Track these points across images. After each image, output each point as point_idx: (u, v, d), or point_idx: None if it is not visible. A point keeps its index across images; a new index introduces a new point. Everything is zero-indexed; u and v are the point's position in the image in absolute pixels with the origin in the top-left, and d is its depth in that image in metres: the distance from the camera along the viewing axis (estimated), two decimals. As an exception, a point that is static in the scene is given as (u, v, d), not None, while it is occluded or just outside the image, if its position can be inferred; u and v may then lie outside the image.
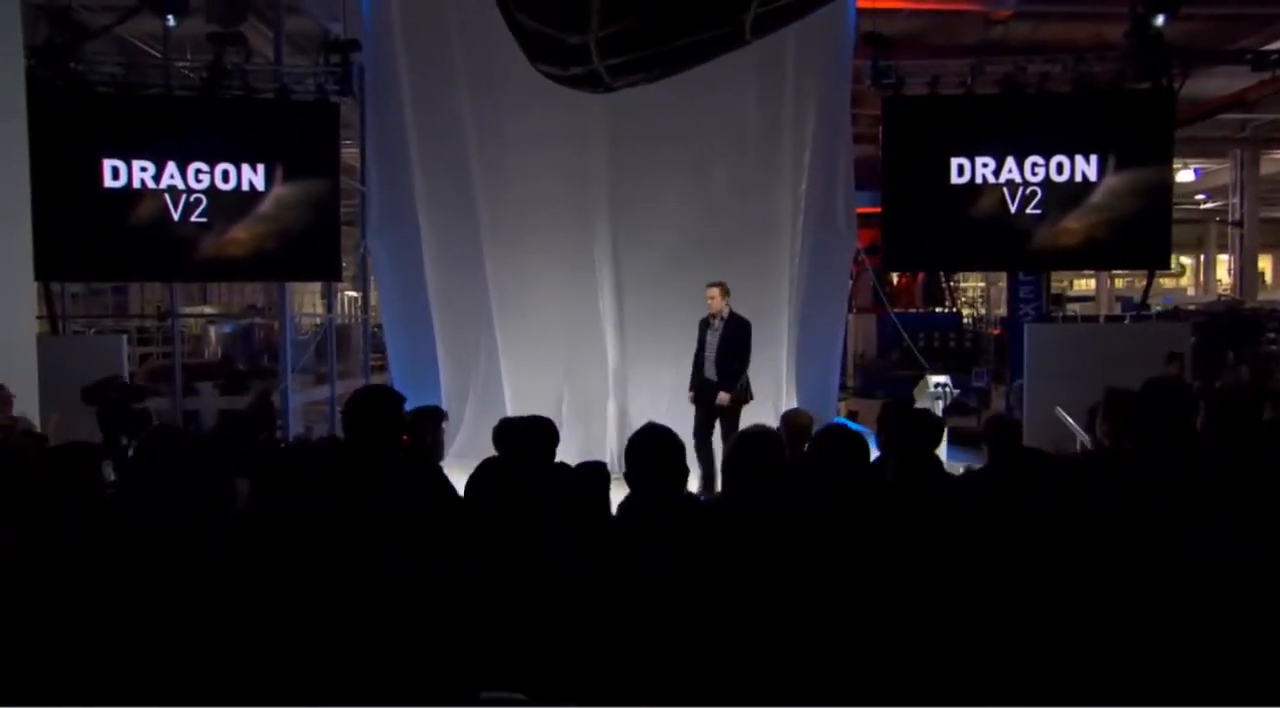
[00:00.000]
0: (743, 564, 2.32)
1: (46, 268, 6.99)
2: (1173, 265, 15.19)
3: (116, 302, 16.83)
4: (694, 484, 5.31)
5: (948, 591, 2.28)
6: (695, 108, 7.66)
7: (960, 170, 8.68)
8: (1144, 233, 8.62)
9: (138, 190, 8.23)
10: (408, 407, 3.16)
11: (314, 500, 2.44)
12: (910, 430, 3.06)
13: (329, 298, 12.07)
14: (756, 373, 7.03)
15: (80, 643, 2.07)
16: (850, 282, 10.19)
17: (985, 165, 8.65)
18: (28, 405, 5.32)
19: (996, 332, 14.12)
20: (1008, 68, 8.55)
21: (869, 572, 2.31)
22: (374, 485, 2.66)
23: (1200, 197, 22.75)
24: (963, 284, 20.70)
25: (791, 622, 2.20)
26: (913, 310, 15.35)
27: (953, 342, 12.83)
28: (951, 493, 3.05)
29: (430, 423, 3.63)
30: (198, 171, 8.29)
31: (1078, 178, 8.57)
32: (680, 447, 2.63)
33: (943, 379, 7.85)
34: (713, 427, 6.57)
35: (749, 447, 2.69)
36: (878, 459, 3.09)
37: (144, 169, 8.22)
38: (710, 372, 6.67)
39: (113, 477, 4.50)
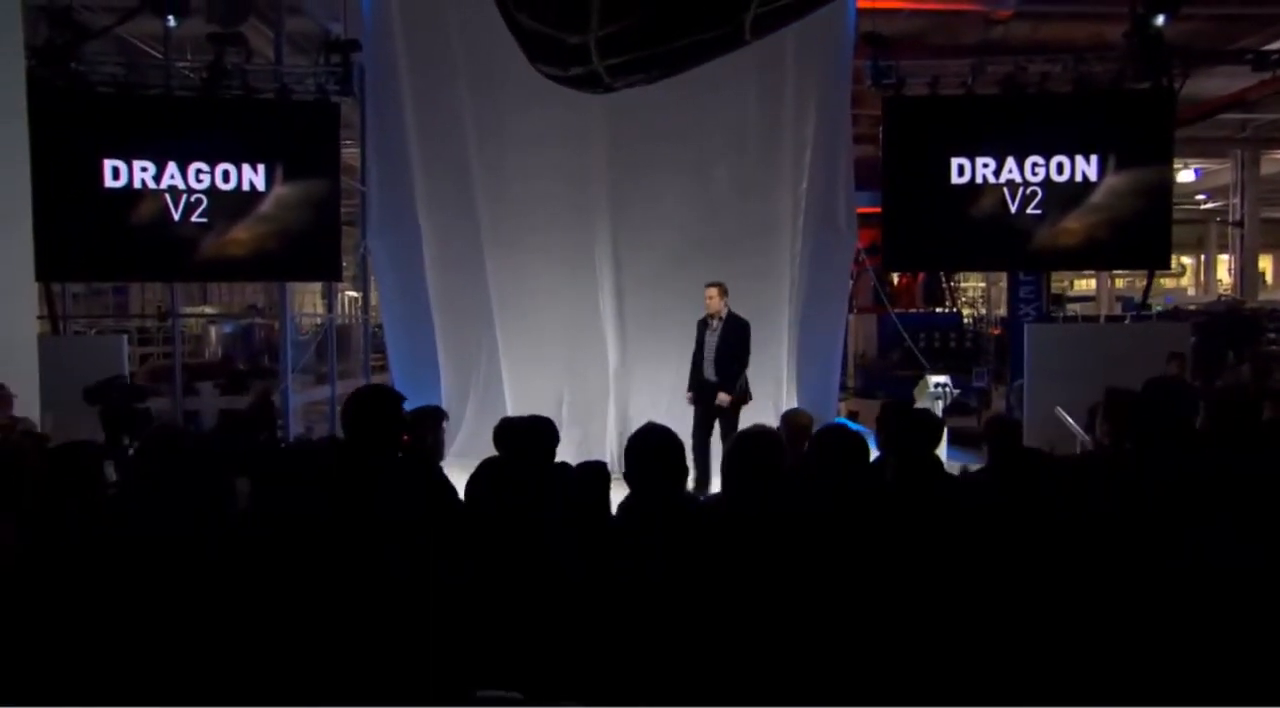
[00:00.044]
0: (743, 564, 2.32)
1: (47, 268, 6.99)
2: (1173, 265, 15.16)
3: (117, 302, 16.84)
4: (689, 485, 5.30)
5: (948, 590, 2.28)
6: (695, 108, 7.66)
7: (960, 170, 8.68)
8: (1144, 233, 8.62)
9: (138, 190, 8.24)
10: (408, 407, 3.16)
11: (314, 501, 2.44)
12: (910, 430, 3.06)
13: (329, 298, 12.07)
14: (757, 373, 7.03)
15: (80, 643, 2.08)
16: (851, 282, 10.19)
17: (985, 165, 8.65)
18: (29, 405, 5.33)
19: (997, 332, 14.11)
20: (1008, 68, 8.55)
21: (869, 572, 2.31)
22: (374, 486, 2.66)
23: (1201, 197, 22.75)
24: (963, 284, 20.68)
25: (792, 622, 2.20)
26: (913, 311, 15.33)
27: (953, 342, 12.83)
28: (951, 493, 3.05)
29: (431, 423, 3.63)
30: (198, 172, 8.30)
31: (1078, 178, 8.57)
32: (680, 447, 2.63)
33: (943, 379, 7.84)
34: (712, 427, 6.56)
35: (749, 447, 2.69)
36: (878, 459, 3.09)
37: (144, 169, 8.23)
38: (709, 372, 6.66)
39: (115, 477, 4.50)
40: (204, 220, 8.34)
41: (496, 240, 8.07)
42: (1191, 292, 25.88)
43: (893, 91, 8.63)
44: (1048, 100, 8.53)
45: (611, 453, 7.32)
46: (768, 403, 7.51)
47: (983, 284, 22.38)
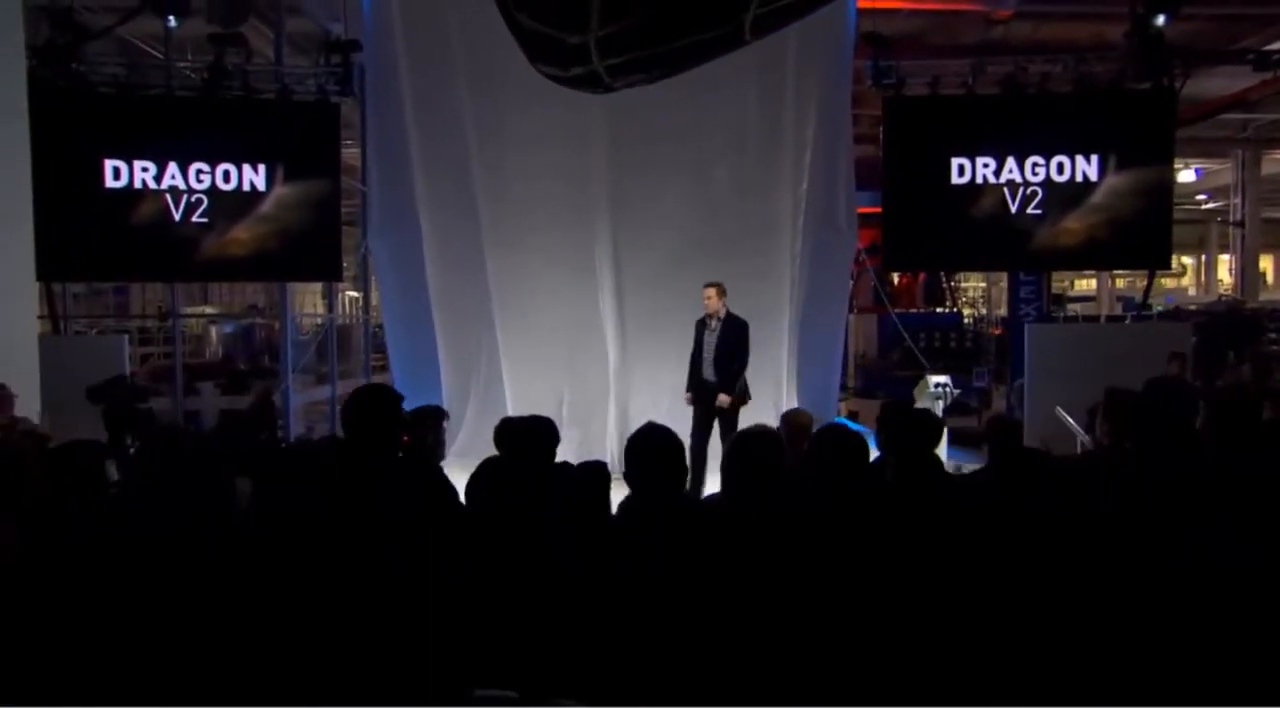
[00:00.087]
0: (742, 564, 2.31)
1: (48, 268, 7.00)
2: (1174, 265, 15.15)
3: (118, 302, 16.85)
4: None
5: (948, 590, 2.28)
6: (695, 108, 7.66)
7: (961, 170, 8.69)
8: (1145, 233, 8.62)
9: (139, 191, 8.25)
10: (409, 406, 3.16)
11: (315, 501, 2.44)
12: (910, 430, 3.06)
13: (330, 298, 12.07)
14: (757, 373, 7.02)
15: (81, 643, 2.08)
16: (851, 282, 10.19)
17: (986, 165, 8.65)
18: (29, 405, 5.33)
19: (997, 332, 14.11)
20: (1008, 68, 8.56)
21: (869, 572, 2.31)
22: (374, 486, 2.66)
23: (1201, 197, 22.75)
24: (963, 284, 20.70)
25: (791, 622, 2.20)
26: (914, 311, 15.34)
27: (954, 342, 12.83)
28: (951, 493, 3.05)
29: (431, 423, 3.63)
30: (199, 172, 8.31)
31: (1078, 178, 8.58)
32: (680, 447, 2.63)
33: (943, 379, 7.84)
34: (710, 429, 6.51)
35: (749, 446, 2.68)
36: (878, 459, 3.09)
37: (145, 169, 8.24)
38: (708, 373, 6.61)
39: (117, 477, 4.50)
40: (205, 220, 8.35)
41: (497, 240, 8.07)
42: (1192, 292, 25.88)
43: (893, 91, 8.63)
44: (1048, 100, 8.53)
45: (611, 453, 7.32)
46: (768, 403, 7.51)
47: (983, 284, 22.38)
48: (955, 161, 8.66)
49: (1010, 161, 8.60)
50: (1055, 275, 14.27)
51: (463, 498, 2.96)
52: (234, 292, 20.33)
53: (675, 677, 2.15)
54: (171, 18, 8.47)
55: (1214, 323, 13.78)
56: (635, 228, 7.98)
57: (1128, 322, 13.52)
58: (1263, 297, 19.93)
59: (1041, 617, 2.23)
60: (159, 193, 8.26)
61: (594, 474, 2.73)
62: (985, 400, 10.39)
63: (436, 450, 3.64)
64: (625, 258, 8.02)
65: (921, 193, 8.77)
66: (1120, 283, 23.47)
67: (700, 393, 6.62)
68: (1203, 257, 27.13)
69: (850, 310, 10.92)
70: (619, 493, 2.67)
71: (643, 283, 8.02)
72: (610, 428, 7.97)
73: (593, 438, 7.78)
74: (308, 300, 19.09)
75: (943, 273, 15.33)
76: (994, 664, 2.18)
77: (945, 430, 5.99)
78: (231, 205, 8.39)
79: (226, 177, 8.35)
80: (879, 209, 9.30)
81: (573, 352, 8.13)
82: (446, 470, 3.44)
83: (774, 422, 4.78)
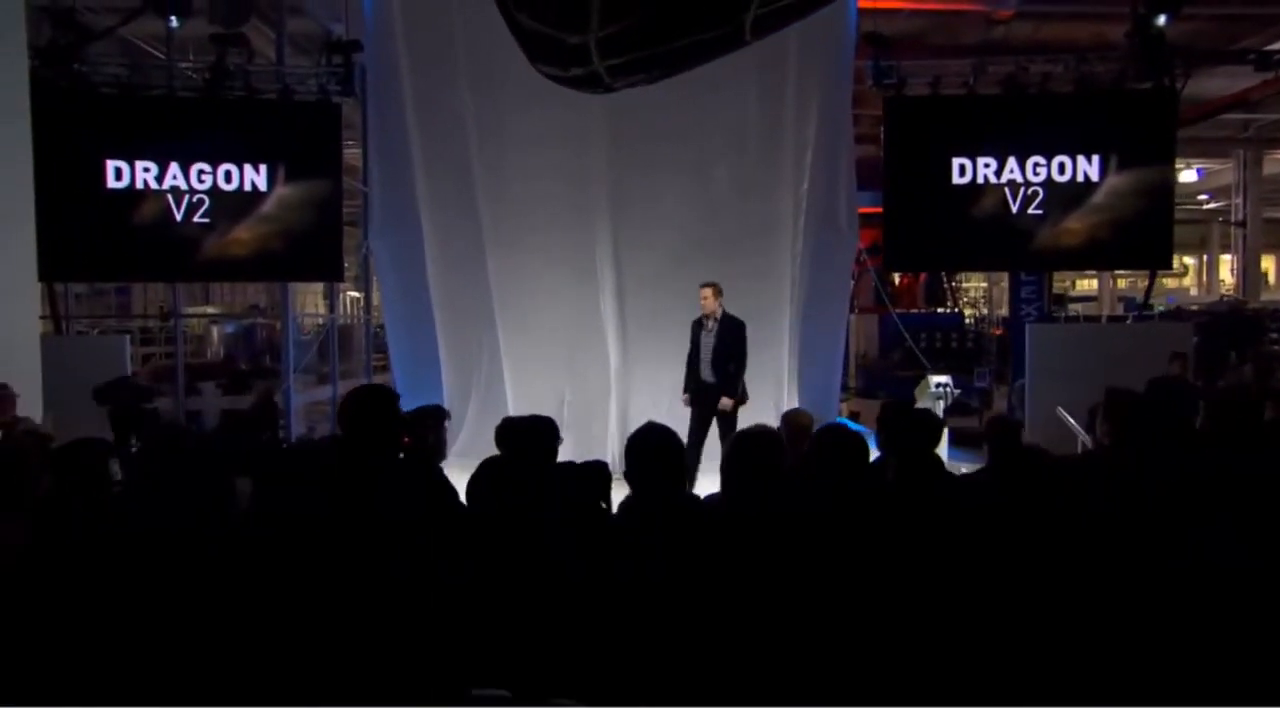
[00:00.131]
0: (743, 564, 2.32)
1: (50, 268, 7.02)
2: (1175, 266, 15.13)
3: (119, 302, 16.87)
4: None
5: (948, 590, 2.28)
6: (696, 108, 7.66)
7: (962, 170, 8.69)
8: (1146, 233, 8.62)
9: (141, 191, 8.26)
10: (411, 406, 3.16)
11: (315, 500, 2.44)
12: (910, 430, 3.06)
13: (331, 298, 12.08)
14: (757, 373, 7.01)
15: (82, 642, 2.08)
16: (852, 282, 10.19)
17: (987, 165, 8.65)
18: (31, 405, 5.34)
19: (998, 332, 14.11)
20: (1009, 68, 8.56)
21: (869, 572, 2.31)
22: (374, 486, 2.67)
23: (1203, 197, 22.73)
24: (965, 284, 20.68)
25: (792, 622, 2.20)
26: (914, 311, 15.34)
27: (955, 342, 12.82)
28: (952, 493, 3.05)
29: (432, 422, 3.63)
30: (200, 172, 8.32)
31: (1079, 178, 8.57)
32: (680, 446, 2.64)
33: (944, 379, 7.83)
34: (707, 431, 6.48)
35: (749, 446, 2.68)
36: (878, 459, 3.09)
37: (147, 170, 8.25)
38: (706, 374, 6.57)
39: (121, 476, 4.51)
40: (206, 220, 8.37)
41: (497, 240, 8.08)
42: (1194, 292, 25.85)
43: (894, 92, 8.63)
44: (1049, 100, 8.53)
45: (612, 453, 7.31)
46: (768, 403, 7.51)
47: (984, 284, 22.37)
48: (956, 162, 8.66)
49: (1011, 162, 8.60)
50: (1056, 275, 14.22)
51: (463, 498, 2.96)
52: (235, 292, 20.34)
53: (675, 677, 2.15)
54: (173, 18, 8.49)
55: (1215, 323, 13.76)
56: (636, 228, 7.98)
57: (1129, 322, 13.49)
58: (1264, 297, 19.92)
59: (1042, 617, 2.23)
60: (161, 193, 8.28)
61: (594, 474, 2.73)
62: (986, 401, 10.38)
63: (438, 450, 3.64)
64: (626, 258, 8.02)
65: (922, 193, 8.77)
66: (1121, 283, 23.45)
67: (699, 395, 6.58)
68: (1204, 257, 27.11)
69: (851, 310, 10.92)
70: (619, 493, 2.68)
71: (643, 283, 8.02)
72: (611, 428, 7.96)
73: (593, 438, 7.77)
74: (309, 300, 19.11)
75: (944, 273, 15.32)
76: (995, 664, 2.18)
77: (946, 431, 6.00)
78: (233, 205, 8.40)
79: (228, 177, 8.37)
80: (880, 209, 9.29)
81: (573, 351, 8.14)
82: (447, 470, 3.44)
83: (774, 422, 4.78)
